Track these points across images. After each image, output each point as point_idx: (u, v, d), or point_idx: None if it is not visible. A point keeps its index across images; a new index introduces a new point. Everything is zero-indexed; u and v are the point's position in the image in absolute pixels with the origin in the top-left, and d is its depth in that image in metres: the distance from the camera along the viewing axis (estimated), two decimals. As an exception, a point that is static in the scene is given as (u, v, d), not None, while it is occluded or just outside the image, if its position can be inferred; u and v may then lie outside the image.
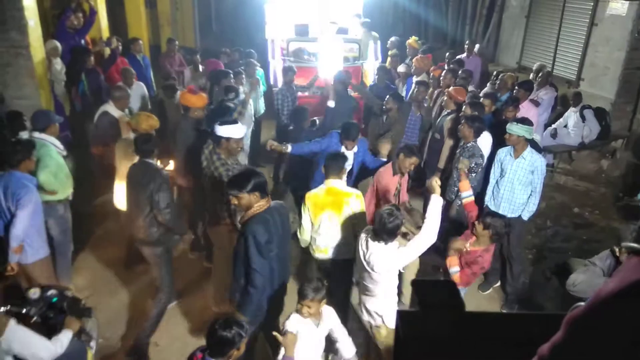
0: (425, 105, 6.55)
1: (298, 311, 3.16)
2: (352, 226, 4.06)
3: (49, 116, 4.75)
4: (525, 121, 4.75)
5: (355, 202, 4.07)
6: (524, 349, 1.24)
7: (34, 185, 4.01)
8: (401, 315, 1.43)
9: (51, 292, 3.24)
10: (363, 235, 3.59)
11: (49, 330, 3.07)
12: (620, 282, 1.03)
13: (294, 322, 3.16)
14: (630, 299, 1.01)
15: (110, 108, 5.60)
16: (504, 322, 1.61)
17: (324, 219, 4.05)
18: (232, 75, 6.80)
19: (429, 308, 1.45)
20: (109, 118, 5.54)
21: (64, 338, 3.04)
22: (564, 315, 1.16)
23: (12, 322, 2.81)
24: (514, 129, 4.65)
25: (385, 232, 3.39)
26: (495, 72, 8.25)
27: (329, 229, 4.06)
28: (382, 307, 3.62)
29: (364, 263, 3.51)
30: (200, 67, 8.13)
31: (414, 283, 1.62)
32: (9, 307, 3.04)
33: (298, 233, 4.27)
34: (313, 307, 3.09)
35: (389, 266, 3.46)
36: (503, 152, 4.89)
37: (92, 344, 3.53)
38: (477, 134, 4.98)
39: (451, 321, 1.40)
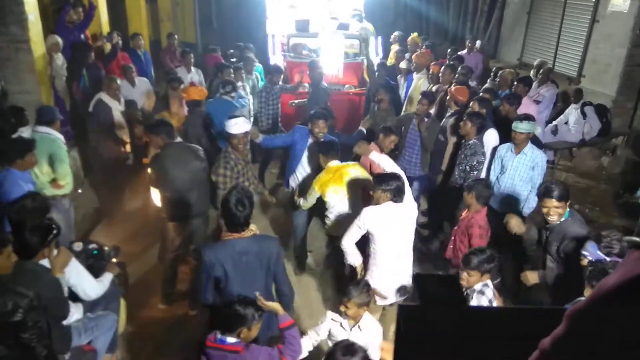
0: (427, 120, 5.63)
1: (338, 309, 3.27)
2: (360, 192, 4.28)
3: (54, 112, 4.90)
4: (529, 118, 4.74)
5: (355, 171, 4.33)
6: (525, 343, 1.24)
7: (28, 186, 3.91)
8: (402, 309, 1.44)
9: (92, 245, 3.80)
10: (386, 206, 3.65)
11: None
12: (622, 276, 1.03)
13: (328, 317, 3.27)
14: (631, 293, 1.01)
15: (104, 96, 5.84)
16: (505, 316, 1.61)
17: (330, 195, 4.27)
18: (232, 70, 6.79)
19: (430, 302, 1.46)
20: (102, 105, 5.79)
21: (106, 279, 3.58)
22: (565, 309, 1.17)
23: (73, 258, 3.36)
24: (521, 127, 4.62)
25: (403, 193, 3.69)
26: (494, 69, 8.23)
27: (337, 203, 4.29)
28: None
29: (407, 225, 3.69)
30: (193, 69, 8.03)
31: (416, 277, 1.63)
32: None
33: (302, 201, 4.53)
34: (351, 308, 3.13)
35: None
36: (504, 149, 4.88)
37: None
38: (479, 131, 4.96)
39: (452, 316, 1.41)
